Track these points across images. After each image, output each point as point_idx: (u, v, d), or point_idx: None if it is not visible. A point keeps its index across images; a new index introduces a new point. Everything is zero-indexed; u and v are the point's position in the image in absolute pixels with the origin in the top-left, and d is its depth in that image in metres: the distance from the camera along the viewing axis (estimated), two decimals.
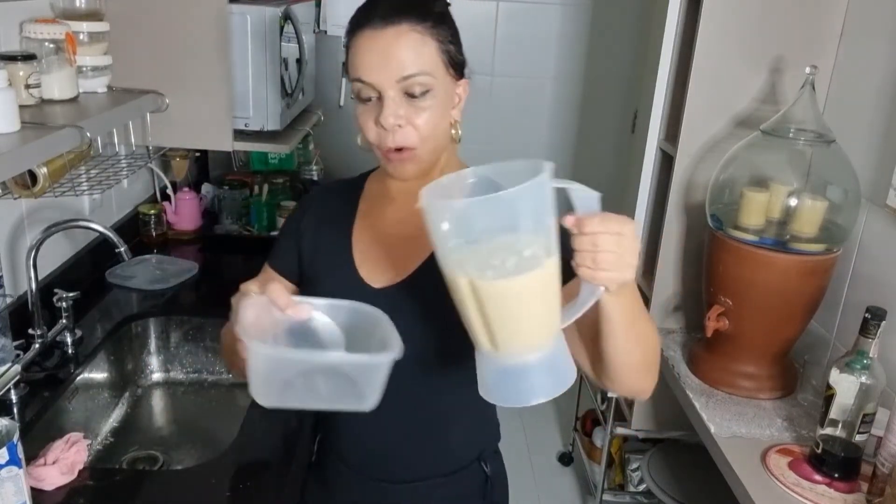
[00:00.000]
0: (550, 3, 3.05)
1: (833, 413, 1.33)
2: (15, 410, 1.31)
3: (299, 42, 1.95)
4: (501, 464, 1.24)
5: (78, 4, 1.47)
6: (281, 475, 1.20)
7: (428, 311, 1.00)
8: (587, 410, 2.76)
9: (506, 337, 0.79)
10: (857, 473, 1.35)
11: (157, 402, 1.70)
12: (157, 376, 1.74)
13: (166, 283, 1.85)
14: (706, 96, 1.79)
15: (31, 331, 1.46)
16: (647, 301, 2.01)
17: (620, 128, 3.12)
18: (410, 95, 0.96)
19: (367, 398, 0.84)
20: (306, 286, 1.12)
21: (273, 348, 0.84)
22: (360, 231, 1.11)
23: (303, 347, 0.89)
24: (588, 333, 0.92)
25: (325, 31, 2.66)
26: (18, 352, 1.41)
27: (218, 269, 2.07)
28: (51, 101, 1.34)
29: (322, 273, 1.11)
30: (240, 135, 1.79)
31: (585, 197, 0.78)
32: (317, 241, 1.13)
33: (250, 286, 0.88)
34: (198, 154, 2.35)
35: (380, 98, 0.96)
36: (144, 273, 1.89)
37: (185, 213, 2.17)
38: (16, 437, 0.97)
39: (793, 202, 1.59)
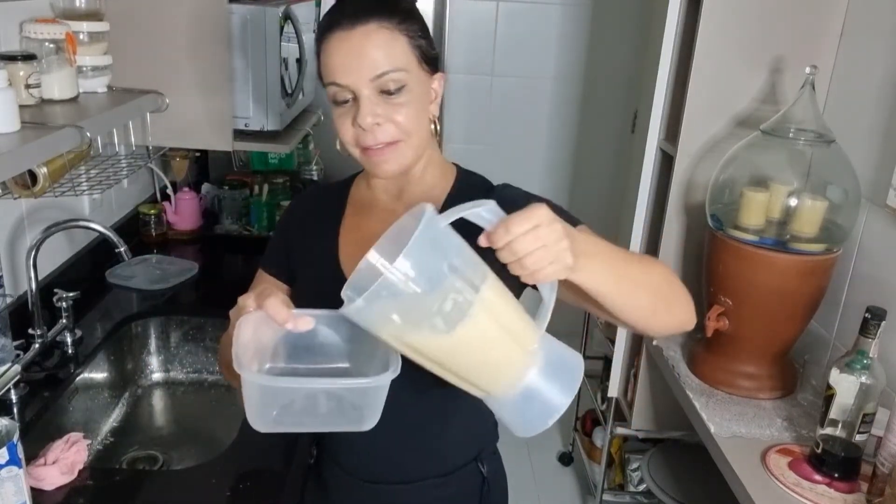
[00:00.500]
0: (550, 3, 3.05)
1: (833, 413, 1.33)
2: (15, 410, 1.31)
3: (299, 42, 1.94)
4: (500, 464, 1.24)
5: (78, 4, 1.47)
6: (281, 476, 1.20)
7: None
8: (587, 410, 2.76)
9: (488, 380, 0.79)
10: (857, 473, 1.35)
11: (157, 402, 1.70)
12: (157, 376, 1.74)
13: (166, 283, 1.85)
14: (706, 96, 1.79)
15: (31, 331, 1.46)
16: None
17: (620, 128, 3.12)
18: (386, 93, 0.96)
19: (366, 420, 0.84)
20: (295, 289, 1.13)
21: (265, 378, 0.82)
22: (346, 234, 1.11)
23: (303, 361, 0.88)
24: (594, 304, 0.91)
25: None
26: (18, 352, 1.41)
27: (218, 269, 2.07)
28: (51, 101, 1.34)
29: (310, 276, 1.11)
30: (240, 135, 1.78)
31: (482, 214, 0.75)
32: (305, 244, 1.13)
33: (247, 301, 0.86)
34: (198, 154, 2.35)
35: (355, 99, 0.96)
36: (144, 273, 1.89)
37: (185, 213, 2.17)
38: (16, 437, 0.97)
39: (793, 202, 1.59)
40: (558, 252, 0.73)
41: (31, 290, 1.45)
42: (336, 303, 0.82)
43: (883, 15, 1.60)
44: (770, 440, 1.50)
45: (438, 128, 1.06)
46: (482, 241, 0.74)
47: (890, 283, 1.53)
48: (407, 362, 0.80)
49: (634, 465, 2.35)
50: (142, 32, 1.58)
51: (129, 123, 1.54)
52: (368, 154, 0.99)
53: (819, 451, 1.36)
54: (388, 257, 0.73)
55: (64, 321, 1.53)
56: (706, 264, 1.73)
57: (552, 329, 0.81)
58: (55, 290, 1.53)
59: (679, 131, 1.84)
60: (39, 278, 1.46)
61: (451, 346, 0.74)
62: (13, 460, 0.97)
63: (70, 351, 1.52)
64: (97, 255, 1.85)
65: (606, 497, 2.38)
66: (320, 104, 2.37)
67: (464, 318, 0.73)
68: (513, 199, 0.85)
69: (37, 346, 1.46)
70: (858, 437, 1.32)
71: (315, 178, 2.42)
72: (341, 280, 1.06)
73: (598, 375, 2.60)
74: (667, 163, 1.95)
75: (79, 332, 1.56)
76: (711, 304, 1.68)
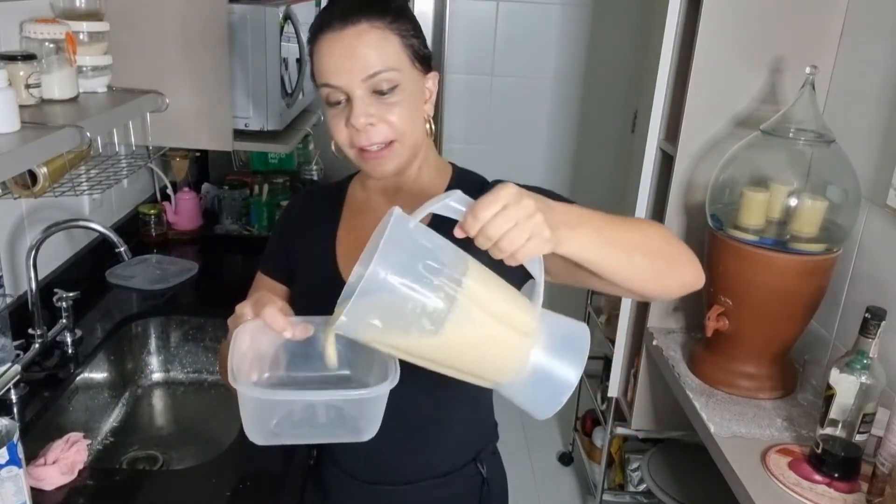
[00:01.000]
0: (550, 3, 3.05)
1: (833, 413, 1.33)
2: (15, 410, 1.31)
3: (299, 42, 1.94)
4: (500, 464, 1.24)
5: (78, 4, 1.47)
6: (280, 476, 1.20)
7: None
8: (587, 410, 2.76)
9: (492, 369, 0.78)
10: (857, 473, 1.35)
11: (157, 402, 1.70)
12: (157, 376, 1.74)
13: (166, 283, 1.85)
14: (706, 96, 1.79)
15: (31, 331, 1.46)
16: (646, 301, 2.01)
17: (620, 128, 3.12)
18: (379, 93, 0.96)
19: (365, 430, 0.83)
20: (294, 291, 1.13)
21: (260, 391, 0.82)
22: (343, 235, 1.11)
23: (302, 369, 0.87)
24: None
25: None
26: (18, 352, 1.41)
27: (218, 269, 2.07)
28: (51, 101, 1.34)
29: (308, 278, 1.11)
30: (240, 135, 1.78)
31: (450, 205, 0.73)
32: (303, 246, 1.13)
33: (244, 309, 0.85)
34: (198, 154, 2.35)
35: (349, 100, 0.96)
36: (144, 273, 1.89)
37: (185, 213, 2.17)
38: (16, 437, 0.97)
39: (793, 202, 1.59)
40: (533, 227, 0.71)
41: (31, 290, 1.45)
42: (334, 304, 0.82)
43: (883, 15, 1.60)
44: (770, 440, 1.50)
45: (433, 127, 1.06)
46: (457, 233, 0.73)
47: (890, 283, 1.53)
48: (407, 363, 0.80)
49: (634, 465, 2.35)
50: (142, 32, 1.58)
51: (129, 123, 1.54)
52: (364, 155, 0.99)
53: (819, 451, 1.36)
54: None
55: (64, 321, 1.53)
56: (706, 264, 1.73)
57: None
58: (55, 290, 1.53)
59: (679, 131, 1.84)
60: (39, 278, 1.46)
61: (444, 345, 0.74)
62: (13, 460, 0.97)
63: (70, 351, 1.52)
64: (97, 255, 1.85)
65: (606, 497, 2.38)
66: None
67: (450, 314, 0.72)
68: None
69: (37, 345, 1.46)
70: (858, 437, 1.32)
71: (315, 178, 2.42)
72: (339, 282, 1.06)
73: (598, 375, 2.60)
74: (667, 163, 1.95)
75: (79, 332, 1.56)
76: (711, 304, 1.68)
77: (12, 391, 1.32)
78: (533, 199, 0.72)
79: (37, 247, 1.44)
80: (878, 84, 1.60)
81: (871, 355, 1.30)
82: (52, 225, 1.47)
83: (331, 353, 0.83)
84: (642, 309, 2.07)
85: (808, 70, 1.57)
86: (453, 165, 1.13)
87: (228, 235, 2.25)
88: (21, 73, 1.24)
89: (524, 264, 0.75)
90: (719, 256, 1.65)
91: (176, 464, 1.49)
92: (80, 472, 1.16)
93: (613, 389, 2.21)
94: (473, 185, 1.08)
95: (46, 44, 1.32)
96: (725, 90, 1.79)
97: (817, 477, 1.36)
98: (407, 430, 1.10)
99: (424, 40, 1.02)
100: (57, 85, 1.34)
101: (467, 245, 0.76)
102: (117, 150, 1.55)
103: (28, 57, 1.26)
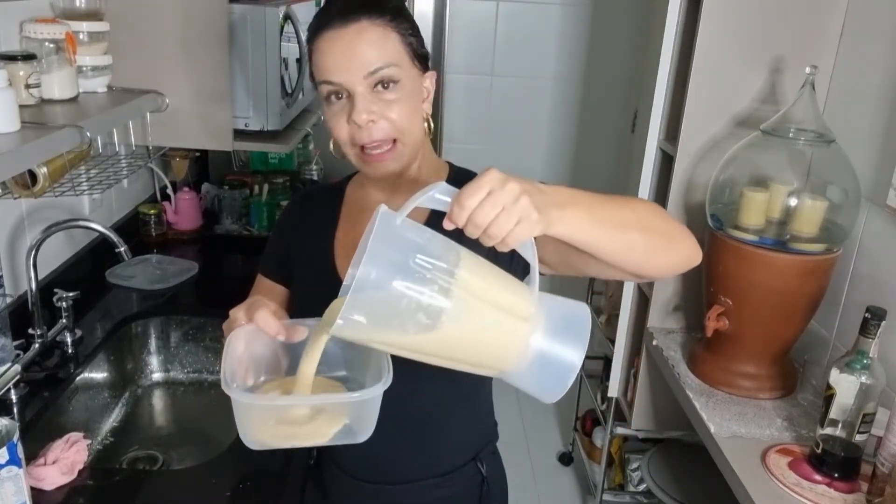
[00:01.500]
0: (550, 3, 3.05)
1: (833, 413, 1.33)
2: (15, 410, 1.31)
3: (299, 42, 1.94)
4: (500, 464, 1.24)
5: (78, 4, 1.47)
6: (280, 476, 1.20)
7: None
8: (587, 410, 2.76)
9: (494, 358, 0.77)
10: (857, 473, 1.35)
11: (157, 402, 1.70)
12: (157, 376, 1.74)
13: (166, 283, 1.85)
14: (706, 96, 1.79)
15: (31, 330, 1.46)
16: (646, 301, 2.01)
17: (620, 128, 3.12)
18: (379, 90, 0.96)
19: (358, 433, 0.83)
20: (293, 291, 1.13)
21: (252, 397, 0.82)
22: (342, 236, 1.11)
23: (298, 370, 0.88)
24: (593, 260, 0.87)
25: None
26: (18, 352, 1.41)
27: (218, 269, 2.07)
28: (51, 101, 1.34)
29: (307, 279, 1.11)
30: (240, 135, 1.78)
31: (434, 196, 0.73)
32: (301, 247, 1.13)
33: (238, 313, 0.85)
34: (198, 154, 2.35)
35: (349, 97, 0.96)
36: (144, 273, 1.89)
37: (185, 212, 2.17)
38: (16, 437, 0.97)
39: (793, 202, 1.59)
40: (520, 210, 0.70)
41: (31, 290, 1.45)
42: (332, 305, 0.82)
43: (883, 15, 1.60)
44: (770, 440, 1.50)
45: (431, 126, 1.06)
46: (446, 224, 0.72)
47: (890, 283, 1.53)
48: (407, 361, 0.80)
49: (634, 465, 2.35)
50: (142, 32, 1.58)
51: (129, 123, 1.54)
52: (366, 157, 0.99)
53: (819, 451, 1.36)
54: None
55: (64, 321, 1.53)
56: (706, 264, 1.73)
57: None
58: (55, 290, 1.53)
59: (679, 131, 1.84)
60: (39, 278, 1.46)
61: (443, 338, 0.73)
62: (13, 460, 0.97)
63: (70, 351, 1.52)
64: (97, 255, 1.85)
65: (606, 497, 2.38)
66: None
67: (446, 305, 0.71)
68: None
69: (37, 345, 1.46)
70: (858, 437, 1.32)
71: (315, 178, 2.42)
72: (338, 283, 1.06)
73: (598, 375, 2.60)
74: (667, 163, 1.95)
75: (79, 332, 1.56)
76: (711, 304, 1.68)
77: (12, 391, 1.32)
78: (517, 182, 0.71)
79: (37, 247, 1.44)
80: (878, 84, 1.60)
81: (871, 355, 1.30)
82: (52, 225, 1.47)
83: (314, 360, 0.82)
84: (642, 309, 2.07)
85: (808, 70, 1.57)
86: (450, 164, 1.13)
87: (228, 235, 2.25)
88: (21, 73, 1.24)
89: (517, 249, 0.74)
90: (719, 256, 1.65)
91: (176, 464, 1.49)
92: (80, 472, 1.16)
93: (613, 389, 2.21)
94: None
95: (46, 44, 1.32)
96: (725, 90, 1.79)
97: (817, 477, 1.36)
98: (407, 430, 1.10)
99: (422, 39, 1.02)
100: (57, 85, 1.34)
101: (460, 238, 0.75)
102: (117, 150, 1.55)
103: (28, 57, 1.26)
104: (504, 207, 0.70)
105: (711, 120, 1.82)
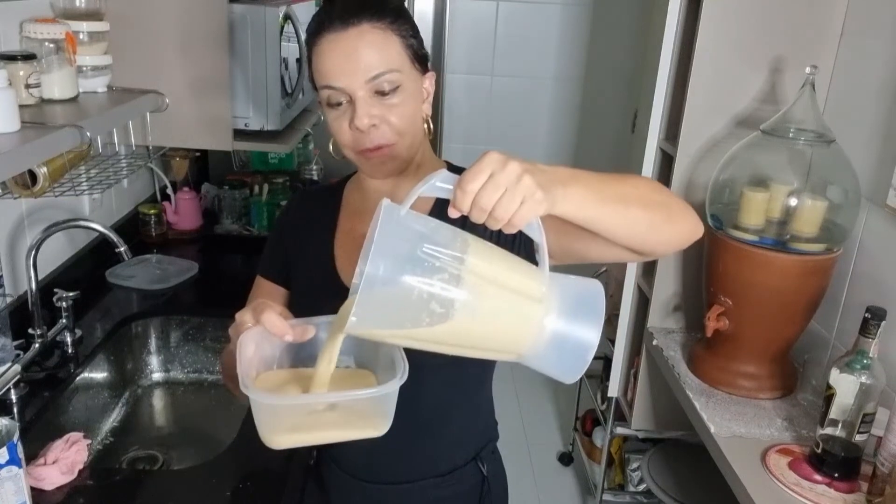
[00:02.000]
0: (550, 3, 3.05)
1: (833, 413, 1.33)
2: (15, 410, 1.31)
3: (299, 42, 1.94)
4: (500, 464, 1.24)
5: (78, 4, 1.47)
6: (281, 475, 1.20)
7: None
8: (587, 410, 2.76)
9: (510, 341, 0.76)
10: (857, 473, 1.35)
11: (157, 402, 1.70)
12: (157, 376, 1.74)
13: (166, 282, 1.85)
14: (706, 96, 1.79)
15: (31, 330, 1.46)
16: (646, 301, 2.01)
17: (620, 128, 3.13)
18: (381, 94, 0.96)
19: (380, 426, 0.84)
20: (293, 293, 1.13)
21: (273, 397, 0.82)
22: (341, 237, 1.10)
23: (310, 368, 0.87)
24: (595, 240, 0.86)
25: None
26: (18, 352, 1.41)
27: (218, 268, 2.06)
28: (51, 101, 1.34)
29: (306, 280, 1.11)
30: (240, 135, 1.78)
31: (436, 185, 0.72)
32: (300, 248, 1.13)
33: (245, 316, 0.85)
34: (198, 154, 2.35)
35: (350, 101, 0.96)
36: (144, 273, 1.89)
37: (185, 212, 2.17)
38: (16, 437, 0.97)
39: (793, 202, 1.59)
40: (524, 190, 0.69)
41: (31, 290, 1.45)
42: (333, 306, 0.82)
43: (883, 15, 1.60)
44: (770, 440, 1.50)
45: (431, 127, 1.06)
46: (451, 212, 0.72)
47: (890, 283, 1.53)
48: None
49: (634, 465, 2.35)
50: (142, 32, 1.58)
51: (129, 123, 1.54)
52: (365, 157, 0.99)
53: (819, 451, 1.36)
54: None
55: (64, 321, 1.53)
56: (706, 264, 1.73)
57: None
58: (55, 290, 1.53)
59: (679, 131, 1.84)
60: (39, 278, 1.46)
61: (457, 326, 0.72)
62: (13, 460, 0.97)
63: (70, 351, 1.52)
64: (97, 255, 1.85)
65: (606, 497, 2.38)
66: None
67: (458, 292, 0.71)
68: None
69: (37, 345, 1.46)
70: (858, 437, 1.32)
71: (315, 177, 2.42)
72: (337, 283, 1.06)
73: (598, 375, 2.60)
74: (667, 163, 1.95)
75: (79, 332, 1.56)
76: (711, 304, 1.68)
77: (12, 391, 1.32)
78: (518, 162, 0.70)
79: (37, 247, 1.44)
80: (878, 84, 1.60)
81: (871, 355, 1.30)
82: (52, 225, 1.47)
83: (330, 361, 0.82)
84: (642, 309, 2.07)
85: (808, 70, 1.57)
86: (449, 163, 1.13)
87: (228, 235, 2.25)
88: (21, 73, 1.24)
89: (524, 230, 0.73)
90: (719, 256, 1.65)
91: (176, 464, 1.49)
92: (80, 472, 1.16)
93: (613, 389, 2.21)
94: None
95: (46, 44, 1.32)
96: (725, 90, 1.79)
97: (817, 477, 1.36)
98: (407, 430, 1.10)
99: (422, 40, 1.02)
100: (57, 85, 1.34)
101: (465, 227, 0.75)
102: (117, 150, 1.55)
103: (28, 57, 1.26)
104: (507, 188, 0.69)
105: (711, 120, 1.82)
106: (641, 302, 2.08)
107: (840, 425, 1.33)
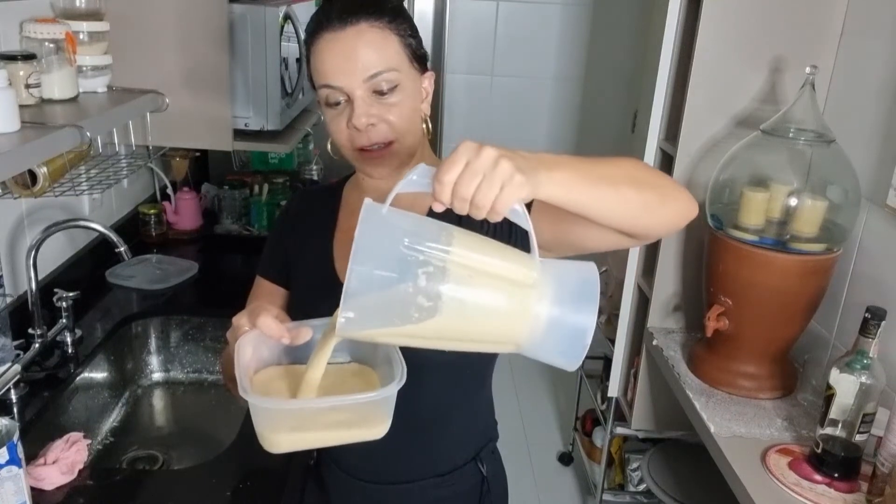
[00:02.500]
0: (550, 3, 3.05)
1: (833, 413, 1.33)
2: (15, 410, 1.31)
3: (299, 42, 1.94)
4: (500, 464, 1.24)
5: (78, 4, 1.47)
6: (281, 476, 1.20)
7: None
8: (587, 410, 2.76)
9: (505, 331, 0.75)
10: (857, 473, 1.35)
11: (157, 402, 1.70)
12: (157, 376, 1.74)
13: (166, 282, 1.85)
14: (706, 96, 1.79)
15: (31, 330, 1.46)
16: (646, 301, 2.01)
17: (620, 128, 3.13)
18: (379, 93, 0.96)
19: (378, 428, 0.84)
20: (292, 293, 1.12)
21: (272, 402, 0.82)
22: (340, 237, 1.10)
23: (302, 366, 0.88)
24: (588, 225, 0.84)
25: None
26: (18, 351, 1.41)
27: (218, 268, 2.07)
28: (51, 101, 1.34)
29: (305, 281, 1.11)
30: (240, 135, 1.78)
31: (413, 178, 0.72)
32: (299, 248, 1.13)
33: (241, 320, 0.85)
34: (198, 154, 2.35)
35: (349, 101, 0.96)
36: (144, 273, 1.89)
37: (185, 212, 2.17)
38: (16, 437, 0.97)
39: (793, 202, 1.59)
40: (501, 174, 0.68)
41: (31, 290, 1.45)
42: (332, 306, 0.82)
43: (883, 15, 1.60)
44: (770, 440, 1.50)
45: (430, 126, 1.06)
46: (435, 207, 0.72)
47: (890, 283, 1.53)
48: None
49: (634, 465, 2.35)
50: (142, 32, 1.58)
51: (129, 123, 1.54)
52: (364, 156, 0.99)
53: (819, 451, 1.36)
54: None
55: (64, 321, 1.53)
56: (706, 264, 1.73)
57: None
58: (55, 290, 1.53)
59: (679, 131, 1.84)
60: (39, 278, 1.46)
61: (448, 319, 0.71)
62: (13, 460, 0.97)
63: (70, 351, 1.52)
64: (97, 255, 1.85)
65: (606, 497, 2.38)
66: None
67: (444, 284, 0.70)
68: None
69: (37, 345, 1.46)
70: (858, 437, 1.32)
71: (315, 178, 2.43)
72: (336, 284, 1.05)
73: (598, 375, 2.60)
74: (667, 163, 1.95)
75: (79, 332, 1.56)
76: (711, 304, 1.68)
77: (12, 391, 1.32)
78: (493, 148, 0.70)
79: (37, 247, 1.44)
80: (878, 84, 1.60)
81: (871, 355, 1.30)
82: (52, 225, 1.47)
83: (320, 366, 0.82)
84: (642, 309, 2.07)
85: (808, 70, 1.57)
86: None
87: (228, 235, 2.25)
88: (21, 73, 1.24)
89: (509, 218, 0.72)
90: (719, 256, 1.65)
91: (176, 464, 1.49)
92: (80, 471, 1.16)
93: (613, 389, 2.21)
94: None
95: (46, 44, 1.32)
96: (725, 90, 1.79)
97: (817, 477, 1.36)
98: (407, 430, 1.10)
99: (421, 40, 1.02)
100: (57, 85, 1.34)
101: (463, 225, 0.75)
102: (117, 150, 1.55)
103: (28, 57, 1.26)
104: (484, 175, 0.68)
105: (711, 120, 1.82)
106: (641, 302, 2.08)
107: (840, 425, 1.33)
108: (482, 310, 0.73)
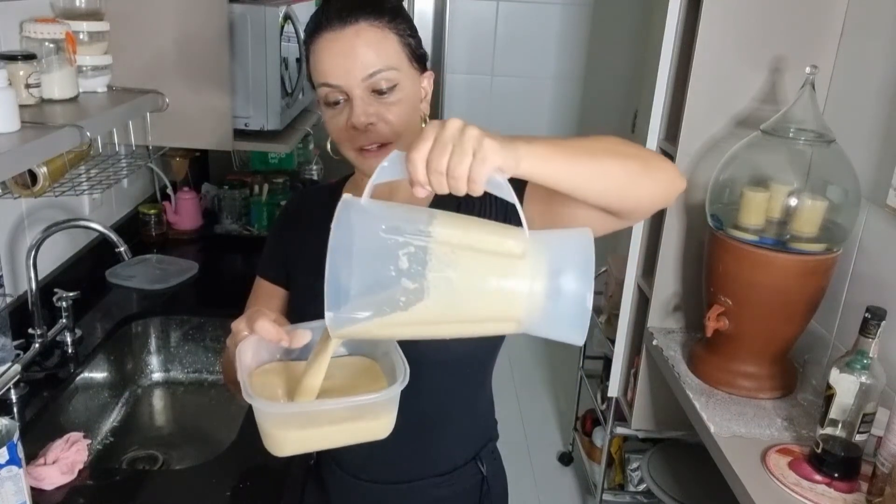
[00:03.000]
0: (550, 3, 3.06)
1: (833, 413, 1.33)
2: (15, 410, 1.31)
3: (299, 42, 1.94)
4: (500, 464, 1.24)
5: (78, 4, 1.47)
6: (281, 476, 1.20)
7: None
8: (587, 410, 2.76)
9: (502, 307, 0.72)
10: (857, 473, 1.35)
11: (157, 402, 1.70)
12: (157, 376, 1.74)
13: (166, 282, 1.85)
14: (706, 96, 1.79)
15: (31, 330, 1.46)
16: (646, 301, 2.01)
17: (620, 128, 3.13)
18: (378, 92, 0.96)
19: (382, 428, 0.84)
20: (291, 293, 1.12)
21: (277, 406, 0.82)
22: None
23: (301, 363, 0.87)
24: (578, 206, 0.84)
25: None
26: (18, 351, 1.41)
27: (218, 268, 2.07)
28: (51, 101, 1.34)
29: (305, 281, 1.11)
30: (240, 135, 1.79)
31: (385, 167, 0.72)
32: (299, 248, 1.13)
33: (240, 325, 0.85)
34: (198, 154, 2.35)
35: (348, 100, 0.96)
36: (144, 273, 1.89)
37: (185, 212, 2.17)
38: (16, 437, 0.97)
39: (793, 202, 1.59)
40: (470, 142, 0.68)
41: (31, 290, 1.45)
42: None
43: (883, 15, 1.60)
44: (770, 440, 1.50)
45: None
46: (417, 192, 0.71)
47: (890, 283, 1.53)
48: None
49: (634, 465, 2.35)
50: (142, 32, 1.58)
51: (129, 123, 1.54)
52: (363, 155, 0.99)
53: (819, 450, 1.36)
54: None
55: (64, 321, 1.53)
56: (706, 264, 1.73)
57: None
58: (55, 290, 1.53)
59: (679, 131, 1.84)
60: (39, 278, 1.46)
61: (436, 300, 0.69)
62: (13, 460, 0.97)
63: (70, 351, 1.52)
64: (97, 255, 1.85)
65: (606, 497, 2.38)
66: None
67: (428, 265, 0.68)
68: None
69: (37, 345, 1.46)
70: (858, 437, 1.32)
71: (315, 178, 2.43)
72: None
73: (598, 375, 2.60)
74: None
75: (79, 332, 1.56)
76: (711, 304, 1.68)
77: (12, 391, 1.32)
78: (459, 120, 0.70)
79: (37, 247, 1.44)
80: (878, 84, 1.60)
81: (871, 355, 1.30)
82: (52, 225, 1.47)
83: (319, 370, 0.82)
84: (642, 309, 2.07)
85: (808, 70, 1.57)
86: None
87: (228, 235, 2.25)
88: (21, 73, 1.24)
89: (491, 191, 0.71)
90: (719, 256, 1.65)
91: (176, 464, 1.49)
92: (80, 471, 1.16)
93: (613, 389, 2.21)
94: None
95: (46, 43, 1.32)
96: (725, 90, 1.79)
97: (817, 477, 1.36)
98: (407, 430, 1.10)
99: (420, 40, 1.02)
100: (57, 85, 1.34)
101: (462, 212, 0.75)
102: (117, 149, 1.55)
103: (28, 57, 1.26)
104: (454, 144, 0.68)
105: (711, 120, 1.82)
106: (641, 302, 2.08)
107: (840, 425, 1.33)
108: (471, 287, 0.71)
